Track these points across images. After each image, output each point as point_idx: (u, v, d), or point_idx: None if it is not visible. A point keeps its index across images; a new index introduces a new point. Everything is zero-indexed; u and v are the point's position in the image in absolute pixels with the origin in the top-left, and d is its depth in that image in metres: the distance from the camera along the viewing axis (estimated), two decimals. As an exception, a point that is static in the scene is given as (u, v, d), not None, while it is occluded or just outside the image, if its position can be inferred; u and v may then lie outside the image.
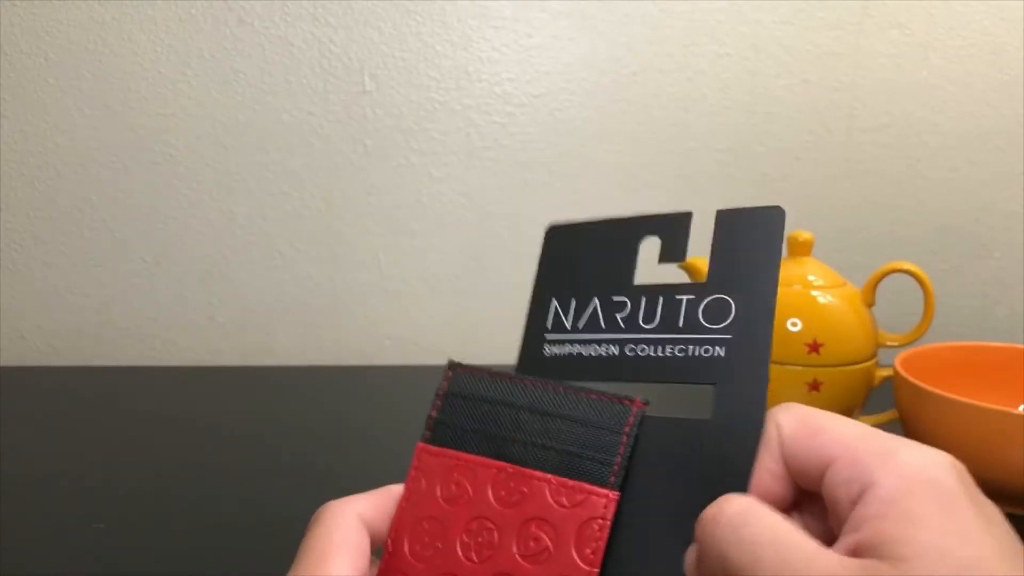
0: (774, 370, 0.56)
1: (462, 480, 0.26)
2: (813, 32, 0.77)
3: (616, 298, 0.27)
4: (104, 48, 0.73)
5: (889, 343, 0.59)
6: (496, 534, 0.25)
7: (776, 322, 0.57)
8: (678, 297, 0.26)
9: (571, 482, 0.25)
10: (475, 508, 0.26)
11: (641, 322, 0.26)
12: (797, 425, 0.22)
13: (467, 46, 0.75)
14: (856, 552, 0.18)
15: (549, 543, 0.25)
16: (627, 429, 0.25)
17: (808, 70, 0.78)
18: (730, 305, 0.25)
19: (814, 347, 0.55)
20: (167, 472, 0.53)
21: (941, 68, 0.78)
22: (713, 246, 0.26)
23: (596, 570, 0.24)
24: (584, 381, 0.26)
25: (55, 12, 0.73)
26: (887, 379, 0.58)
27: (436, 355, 0.80)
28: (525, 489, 0.26)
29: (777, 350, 0.56)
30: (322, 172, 0.77)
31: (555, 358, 0.27)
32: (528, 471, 0.26)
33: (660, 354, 0.26)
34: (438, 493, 0.26)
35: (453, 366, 0.28)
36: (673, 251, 0.27)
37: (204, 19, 0.73)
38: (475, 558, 0.25)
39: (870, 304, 0.59)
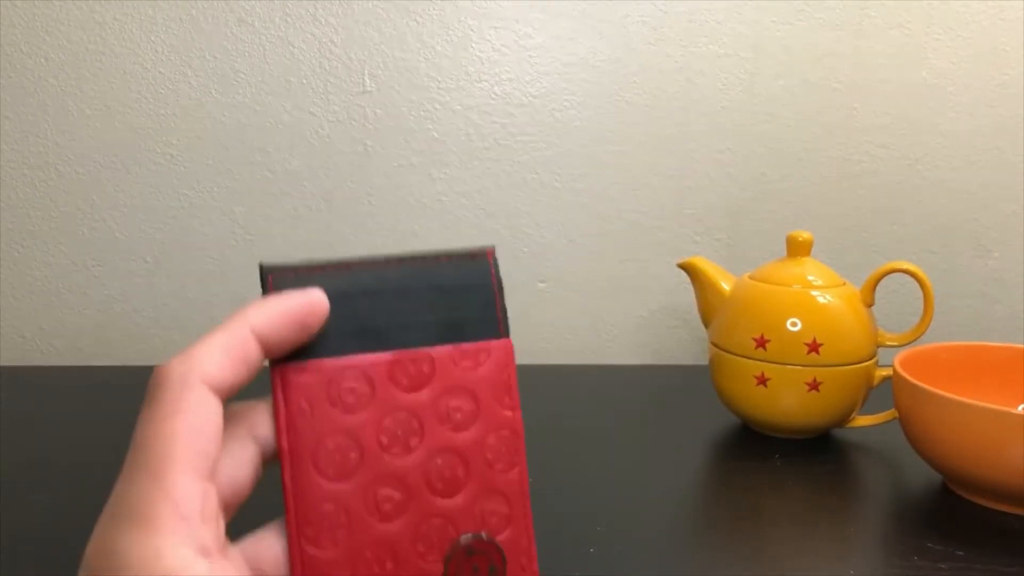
0: (774, 370, 0.56)
1: (356, 384, 0.24)
2: (813, 32, 0.77)
3: None
4: (104, 48, 0.74)
5: (889, 343, 0.59)
6: (416, 420, 0.25)
7: (776, 322, 0.58)
8: None
9: (468, 345, 0.26)
10: (384, 405, 0.25)
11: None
12: None
13: (467, 46, 0.75)
14: None
15: (472, 406, 0.25)
16: (493, 281, 0.27)
17: (808, 70, 0.78)
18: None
19: (814, 347, 0.55)
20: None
21: (941, 68, 0.78)
22: None
23: (519, 413, 0.26)
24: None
25: (55, 12, 0.73)
26: (887, 379, 0.58)
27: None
28: (426, 369, 0.25)
29: (777, 350, 0.56)
30: (322, 172, 0.77)
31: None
32: (422, 351, 0.25)
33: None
34: (331, 407, 0.24)
35: (269, 270, 0.25)
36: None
37: (204, 19, 0.74)
38: (404, 451, 0.24)
39: (869, 304, 0.59)
